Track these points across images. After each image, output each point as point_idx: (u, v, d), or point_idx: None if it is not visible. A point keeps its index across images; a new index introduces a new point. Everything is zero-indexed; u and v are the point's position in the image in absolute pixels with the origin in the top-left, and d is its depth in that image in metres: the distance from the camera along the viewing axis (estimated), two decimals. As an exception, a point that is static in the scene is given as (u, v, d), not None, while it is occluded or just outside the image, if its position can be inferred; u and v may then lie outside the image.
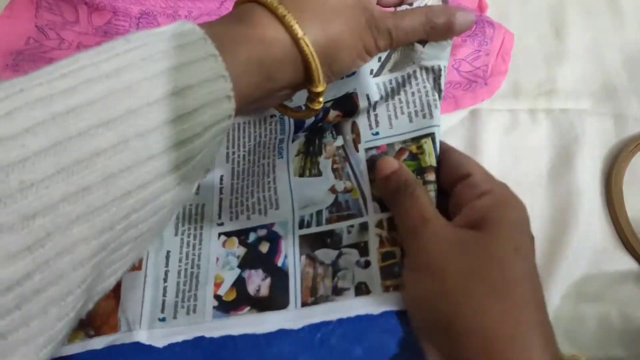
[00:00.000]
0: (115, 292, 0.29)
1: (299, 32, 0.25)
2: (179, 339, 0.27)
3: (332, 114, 0.31)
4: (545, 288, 0.41)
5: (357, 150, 0.31)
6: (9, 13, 0.49)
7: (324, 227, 0.30)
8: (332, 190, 0.30)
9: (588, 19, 0.55)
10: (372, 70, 0.31)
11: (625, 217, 0.44)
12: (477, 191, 0.28)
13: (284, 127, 0.32)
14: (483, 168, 0.31)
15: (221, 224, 0.30)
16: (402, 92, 0.31)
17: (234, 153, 0.32)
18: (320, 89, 0.27)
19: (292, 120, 0.31)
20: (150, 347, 0.27)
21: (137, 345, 0.27)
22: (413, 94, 0.31)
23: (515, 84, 0.50)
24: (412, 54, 0.32)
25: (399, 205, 0.29)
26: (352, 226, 0.29)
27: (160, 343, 0.27)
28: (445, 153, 0.32)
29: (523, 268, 0.25)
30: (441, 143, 0.32)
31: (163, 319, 0.28)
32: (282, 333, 0.27)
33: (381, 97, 0.31)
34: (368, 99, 0.31)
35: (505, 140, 0.47)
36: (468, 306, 0.23)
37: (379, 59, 0.31)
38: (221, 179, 0.32)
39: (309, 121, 0.31)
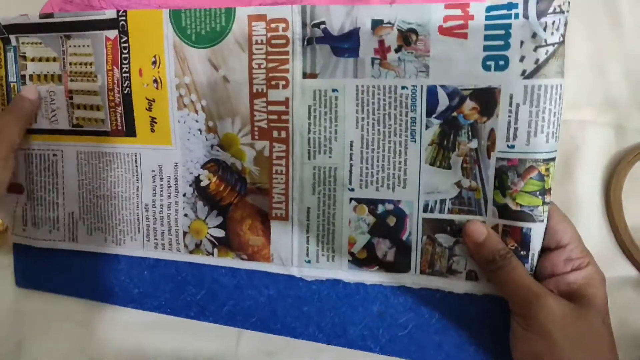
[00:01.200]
0: (265, 233, 0.37)
1: None
2: (323, 277, 0.36)
3: (468, 104, 0.32)
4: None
5: (489, 157, 0.32)
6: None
7: (446, 216, 0.34)
8: (458, 184, 0.33)
9: (589, 31, 0.56)
10: (524, 71, 0.30)
11: (625, 225, 0.45)
12: (571, 265, 0.32)
13: (416, 104, 0.33)
14: (578, 235, 0.33)
15: (352, 190, 0.35)
16: (547, 106, 0.31)
17: (363, 119, 0.34)
18: None
19: (423, 98, 0.32)
20: (300, 279, 0.37)
21: (291, 277, 0.37)
22: (555, 113, 0.32)
23: None
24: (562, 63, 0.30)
25: (498, 276, 0.32)
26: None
27: (308, 278, 0.37)
28: None
29: (609, 336, 0.31)
30: None
31: (309, 262, 0.36)
32: (404, 289, 0.35)
33: (524, 102, 0.31)
34: (510, 99, 0.31)
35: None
36: None
37: (536, 60, 0.30)
38: (351, 145, 0.34)
39: (442, 106, 0.32)
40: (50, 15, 0.40)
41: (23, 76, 0.42)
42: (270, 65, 0.35)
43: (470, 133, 0.33)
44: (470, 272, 0.34)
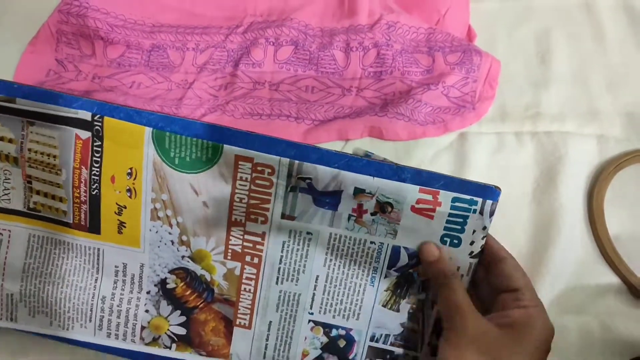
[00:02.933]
0: (227, 336, 0.40)
1: None
2: None
3: None
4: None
5: (432, 308, 0.39)
6: (33, 48, 0.54)
7: (388, 347, 0.39)
8: (402, 325, 0.39)
9: (573, 45, 0.57)
10: (472, 252, 0.37)
11: (606, 234, 0.46)
12: (519, 304, 0.35)
13: (380, 258, 0.38)
14: (530, 284, 0.36)
15: (311, 314, 0.39)
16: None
17: (331, 260, 0.38)
18: None
19: (387, 254, 0.38)
20: None
21: None
22: None
23: (502, 108, 0.52)
24: None
25: (439, 290, 0.36)
26: (407, 355, 0.39)
27: None
28: (500, 262, 0.37)
29: None
30: (500, 250, 0.38)
31: None
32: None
33: (467, 274, 0.38)
34: (457, 270, 0.37)
35: (492, 161, 0.50)
36: None
37: (481, 245, 0.37)
38: (317, 278, 0.39)
39: (402, 262, 0.38)
40: (11, 101, 0.36)
41: None
42: (252, 202, 0.37)
43: (420, 287, 0.39)
44: None
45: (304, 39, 0.54)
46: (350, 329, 0.40)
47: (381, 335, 0.40)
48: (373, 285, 0.39)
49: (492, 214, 0.36)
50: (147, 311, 0.39)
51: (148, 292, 0.39)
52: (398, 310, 0.39)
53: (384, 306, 0.39)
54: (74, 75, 0.53)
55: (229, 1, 0.56)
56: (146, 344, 0.40)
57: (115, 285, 0.39)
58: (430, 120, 0.51)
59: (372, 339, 0.40)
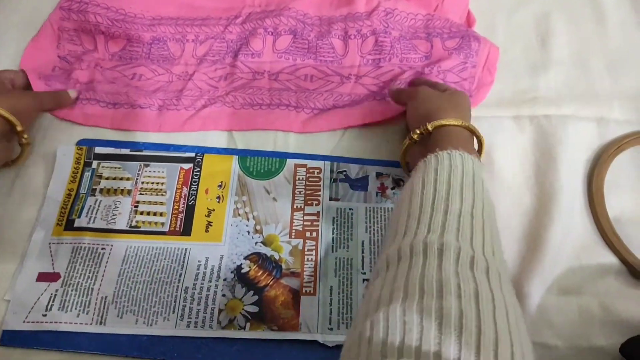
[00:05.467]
0: (295, 307, 0.45)
1: None
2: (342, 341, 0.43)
3: None
4: (528, 280, 0.44)
5: None
6: (35, 44, 0.55)
7: None
8: None
9: (573, 27, 0.57)
10: None
11: (606, 215, 0.47)
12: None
13: None
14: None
15: (364, 273, 0.47)
16: None
17: (371, 227, 0.49)
18: (19, 128, 0.45)
19: None
20: (324, 344, 0.43)
21: (316, 343, 0.43)
22: None
23: (500, 93, 0.52)
24: None
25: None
26: None
27: (330, 343, 0.43)
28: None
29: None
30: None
31: (331, 328, 0.44)
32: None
33: None
34: None
35: (491, 144, 0.50)
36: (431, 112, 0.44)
37: None
38: (362, 243, 0.48)
39: None
40: (139, 149, 0.51)
41: (94, 189, 0.49)
42: (308, 192, 0.50)
43: None
44: None
45: (302, 27, 0.54)
46: None
47: None
48: None
49: None
50: (224, 295, 0.45)
51: (225, 279, 0.46)
52: None
53: None
54: (77, 65, 0.54)
55: (227, -8, 0.57)
56: (222, 328, 0.44)
57: (196, 277, 0.45)
58: (429, 106, 0.51)
59: None
